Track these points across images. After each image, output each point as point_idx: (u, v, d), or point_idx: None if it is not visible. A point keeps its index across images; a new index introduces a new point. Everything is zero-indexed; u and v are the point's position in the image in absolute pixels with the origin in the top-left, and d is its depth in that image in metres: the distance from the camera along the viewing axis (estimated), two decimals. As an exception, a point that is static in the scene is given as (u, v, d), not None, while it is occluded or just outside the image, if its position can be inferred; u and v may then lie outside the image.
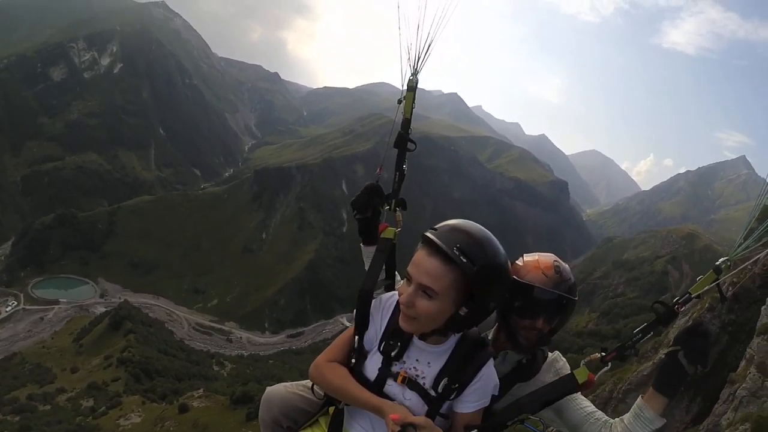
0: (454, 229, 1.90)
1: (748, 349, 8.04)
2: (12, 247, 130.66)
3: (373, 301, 2.20)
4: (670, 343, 2.19)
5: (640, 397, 2.20)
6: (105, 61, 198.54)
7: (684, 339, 2.15)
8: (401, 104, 2.62)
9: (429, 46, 2.44)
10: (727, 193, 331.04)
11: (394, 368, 2.06)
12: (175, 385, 57.45)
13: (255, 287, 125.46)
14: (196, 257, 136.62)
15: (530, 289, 2.33)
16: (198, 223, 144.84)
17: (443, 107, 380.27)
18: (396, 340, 2.07)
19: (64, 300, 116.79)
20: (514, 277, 2.34)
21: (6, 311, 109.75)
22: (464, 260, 1.82)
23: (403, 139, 2.59)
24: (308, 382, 2.40)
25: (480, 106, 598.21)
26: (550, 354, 2.60)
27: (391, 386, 2.05)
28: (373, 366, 2.10)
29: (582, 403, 2.44)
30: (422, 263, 1.87)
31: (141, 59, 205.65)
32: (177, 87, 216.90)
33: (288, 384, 2.58)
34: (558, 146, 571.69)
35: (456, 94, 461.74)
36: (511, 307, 2.36)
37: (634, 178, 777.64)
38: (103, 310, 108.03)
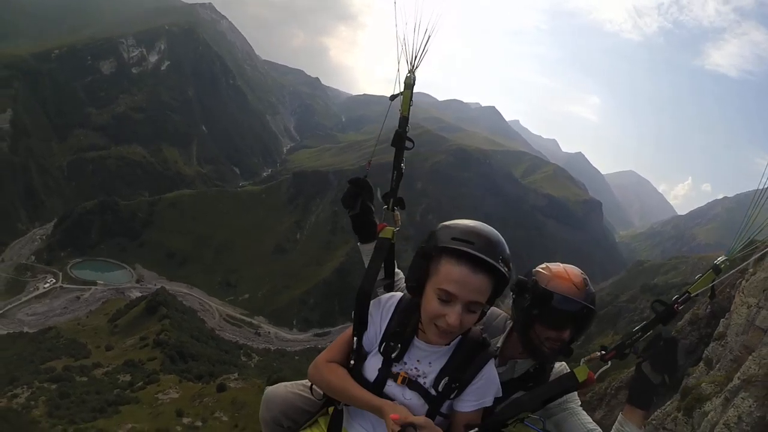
0: (485, 237, 1.89)
1: (705, 352, 8.52)
2: (54, 228, 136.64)
3: (373, 301, 2.19)
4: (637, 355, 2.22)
5: (620, 413, 2.25)
6: (153, 58, 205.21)
7: (647, 349, 2.17)
8: (393, 101, 2.65)
9: (427, 42, 2.45)
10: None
11: (395, 369, 2.06)
12: (210, 369, 59.77)
13: (285, 285, 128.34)
14: (230, 252, 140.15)
15: (563, 301, 2.33)
16: (234, 219, 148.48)
17: (480, 120, 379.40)
18: (396, 342, 2.06)
19: (101, 282, 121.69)
20: (543, 286, 2.37)
21: (44, 287, 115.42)
22: (507, 268, 1.86)
23: (401, 137, 2.59)
24: (308, 382, 2.44)
25: (517, 121, 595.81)
26: (557, 365, 2.65)
27: (391, 387, 2.04)
28: (372, 367, 2.09)
29: (583, 418, 2.49)
30: (470, 281, 1.84)
31: (187, 58, 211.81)
32: (221, 87, 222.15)
33: (288, 384, 2.64)
34: (594, 165, 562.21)
35: (494, 107, 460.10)
36: (537, 316, 2.36)
37: (670, 202, 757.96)
38: (138, 294, 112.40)
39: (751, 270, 8.34)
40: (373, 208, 2.55)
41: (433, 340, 1.98)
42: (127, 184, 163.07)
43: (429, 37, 2.39)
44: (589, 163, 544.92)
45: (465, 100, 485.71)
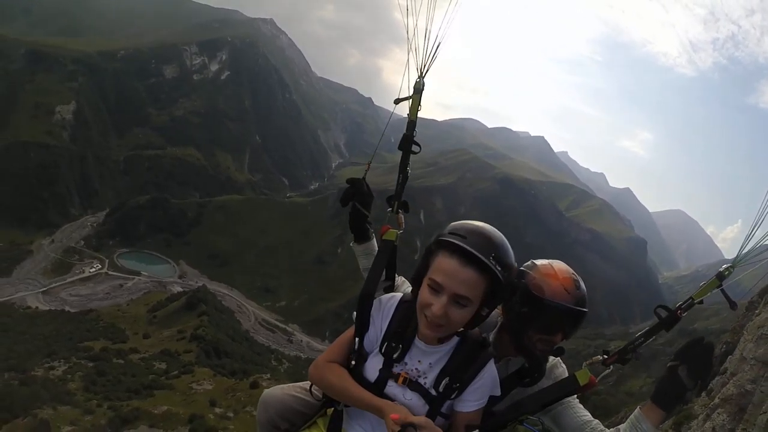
0: (482, 235, 1.92)
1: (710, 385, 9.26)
2: (105, 217, 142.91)
3: (374, 302, 2.21)
4: (671, 358, 2.18)
5: (638, 407, 2.21)
6: (214, 67, 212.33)
7: (685, 353, 2.13)
8: (397, 104, 2.67)
9: (436, 49, 2.43)
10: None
11: (395, 369, 2.06)
12: (243, 367, 60.70)
13: (322, 297, 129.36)
14: (272, 259, 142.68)
15: (552, 306, 2.31)
16: (279, 228, 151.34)
17: (528, 149, 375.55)
18: (397, 342, 2.06)
19: (145, 273, 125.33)
20: (535, 292, 2.34)
21: (89, 271, 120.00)
22: (500, 268, 1.86)
23: (408, 140, 2.60)
24: (305, 384, 2.49)
25: (566, 152, 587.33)
26: (551, 359, 2.62)
27: (392, 387, 2.04)
28: (373, 367, 2.09)
29: (579, 411, 2.47)
30: (457, 273, 1.86)
31: (246, 70, 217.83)
32: (276, 100, 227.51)
33: (285, 386, 2.66)
34: (642, 201, 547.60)
35: (543, 137, 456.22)
36: (528, 320, 2.33)
37: (718, 245, 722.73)
38: (179, 290, 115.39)
39: (757, 310, 8.54)
40: (367, 213, 2.60)
41: (423, 332, 1.99)
42: (179, 184, 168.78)
43: (439, 44, 2.36)
44: (636, 199, 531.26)
45: (514, 129, 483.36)
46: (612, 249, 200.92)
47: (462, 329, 2.04)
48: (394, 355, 2.05)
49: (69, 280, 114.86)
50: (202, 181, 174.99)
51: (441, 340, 2.05)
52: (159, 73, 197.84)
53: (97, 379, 44.74)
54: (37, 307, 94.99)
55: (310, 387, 2.35)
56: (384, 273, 2.45)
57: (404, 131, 2.54)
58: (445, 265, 1.87)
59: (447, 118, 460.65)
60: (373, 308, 2.17)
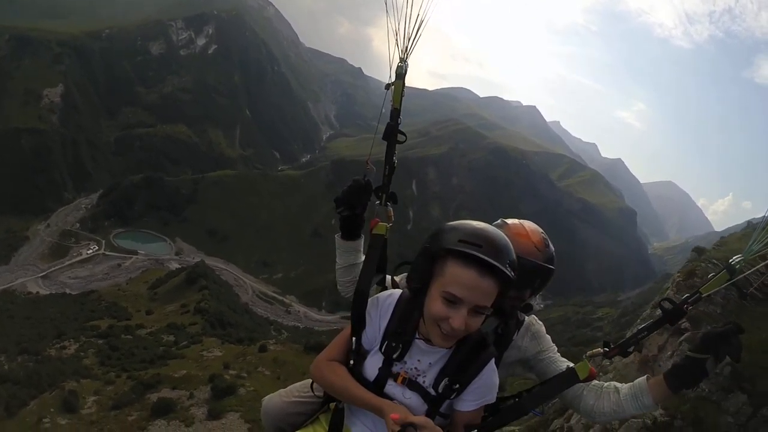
0: (494, 242, 1.84)
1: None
2: (99, 198, 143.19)
3: (371, 300, 2.17)
4: (696, 346, 2.05)
5: (645, 378, 2.17)
6: (201, 42, 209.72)
7: (720, 346, 2.01)
8: (387, 90, 2.54)
9: (418, 29, 2.36)
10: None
11: (395, 369, 2.03)
12: (249, 335, 62.54)
13: (319, 268, 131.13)
14: (268, 233, 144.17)
15: (525, 264, 2.29)
16: (274, 201, 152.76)
17: (520, 119, 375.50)
18: (397, 342, 2.03)
19: (142, 252, 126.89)
20: None
21: (87, 253, 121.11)
22: (513, 273, 1.83)
23: (393, 129, 2.51)
24: (305, 384, 2.49)
25: (558, 122, 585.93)
26: (526, 318, 2.63)
27: (391, 386, 2.02)
28: (373, 366, 2.07)
29: (561, 364, 2.49)
30: (478, 286, 1.80)
31: (234, 43, 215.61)
32: (266, 73, 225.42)
33: (284, 392, 2.65)
34: (633, 173, 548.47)
35: (535, 107, 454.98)
36: None
37: (708, 217, 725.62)
38: (177, 266, 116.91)
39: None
40: (363, 219, 2.57)
41: (435, 342, 1.95)
42: (172, 162, 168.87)
43: (422, 22, 2.33)
44: (628, 170, 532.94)
45: (506, 98, 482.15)
46: (603, 219, 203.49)
47: None
48: (394, 355, 2.02)
49: (67, 263, 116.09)
50: (194, 158, 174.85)
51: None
52: (145, 51, 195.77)
53: (110, 353, 46.26)
54: (38, 292, 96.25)
55: (311, 385, 2.38)
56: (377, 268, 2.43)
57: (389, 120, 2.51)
58: (463, 278, 1.80)
59: (438, 88, 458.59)
60: (370, 306, 2.14)
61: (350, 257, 2.57)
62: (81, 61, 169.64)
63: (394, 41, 2.35)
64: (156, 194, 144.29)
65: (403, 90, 2.44)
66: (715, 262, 11.21)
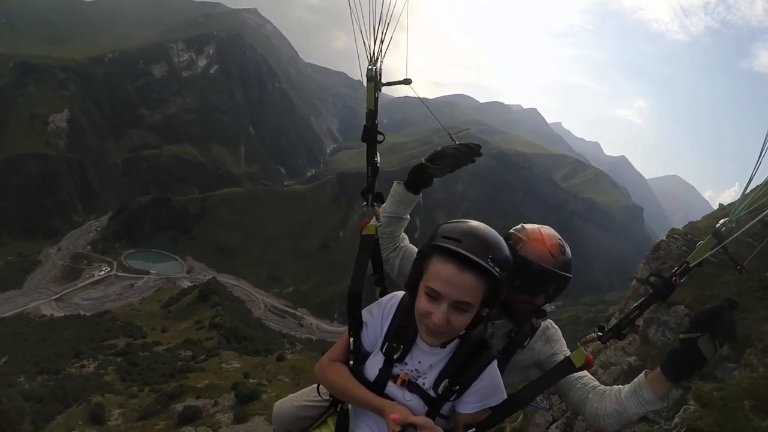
0: (476, 236, 1.82)
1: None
2: (109, 220, 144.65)
3: (375, 302, 2.20)
4: (688, 326, 1.97)
5: (643, 373, 2.13)
6: (202, 62, 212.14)
7: (708, 323, 1.94)
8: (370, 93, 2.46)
9: (385, 32, 2.33)
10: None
11: (395, 370, 2.03)
12: (266, 347, 63.14)
13: (328, 280, 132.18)
14: (277, 247, 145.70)
15: (537, 269, 2.30)
16: (281, 216, 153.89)
17: (521, 123, 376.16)
18: (399, 343, 2.03)
19: (154, 271, 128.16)
20: (520, 253, 2.33)
21: (99, 275, 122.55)
22: (497, 270, 1.78)
23: (371, 131, 2.46)
24: (313, 388, 2.50)
25: (560, 123, 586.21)
26: (542, 322, 2.62)
27: (392, 388, 2.02)
28: (373, 367, 2.07)
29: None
30: (456, 280, 1.78)
31: (235, 62, 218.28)
32: (267, 90, 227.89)
33: (294, 396, 2.66)
34: (638, 169, 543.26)
35: (535, 109, 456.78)
36: (511, 280, 2.10)
37: (716, 209, 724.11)
38: (188, 284, 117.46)
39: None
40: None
41: (424, 339, 1.96)
42: (179, 181, 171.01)
43: (387, 25, 2.31)
44: (632, 167, 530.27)
45: (506, 102, 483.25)
46: (609, 218, 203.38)
47: (474, 328, 2.00)
48: (395, 356, 2.03)
49: (80, 285, 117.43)
50: (200, 177, 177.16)
51: (443, 343, 2.00)
52: (148, 73, 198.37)
53: (131, 369, 47.01)
54: (52, 315, 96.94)
55: (317, 386, 2.39)
56: (372, 267, 2.47)
57: (377, 119, 2.51)
58: (441, 272, 1.81)
59: (438, 96, 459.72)
60: (374, 307, 2.18)
61: (401, 209, 2.58)
62: (85, 85, 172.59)
63: (363, 44, 2.33)
64: (164, 214, 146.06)
65: (376, 92, 2.41)
66: (677, 236, 12.59)
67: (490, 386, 2.01)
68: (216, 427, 25.33)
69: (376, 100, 2.43)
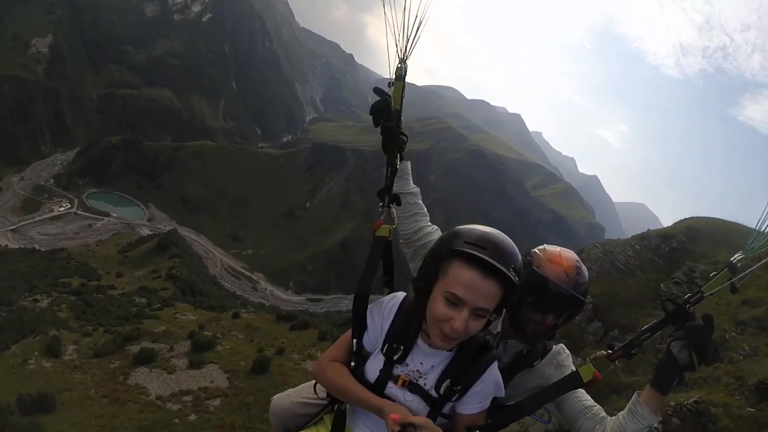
0: (499, 245, 1.81)
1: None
2: (76, 155, 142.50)
3: (375, 302, 2.15)
4: (671, 337, 2.08)
5: (636, 393, 2.17)
6: (196, 8, 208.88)
7: (682, 330, 2.06)
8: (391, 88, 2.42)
9: (418, 29, 2.29)
10: None
11: (396, 371, 2.01)
12: (221, 303, 63.86)
13: (289, 249, 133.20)
14: (242, 208, 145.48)
15: (552, 288, 2.29)
16: (251, 178, 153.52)
17: (504, 126, 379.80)
18: (399, 344, 2.01)
19: (114, 215, 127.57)
20: (534, 268, 2.35)
21: (58, 210, 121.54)
22: (518, 279, 1.79)
23: (394, 131, 2.45)
24: (311, 386, 2.45)
25: (540, 133, 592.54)
26: (554, 346, 2.61)
27: (392, 389, 1.99)
28: (374, 368, 2.04)
29: (581, 396, 2.40)
30: (479, 287, 1.77)
31: (229, 14, 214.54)
32: (257, 47, 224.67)
33: (292, 392, 2.65)
34: (607, 190, 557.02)
35: (519, 115, 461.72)
36: (524, 298, 2.29)
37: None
38: (148, 233, 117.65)
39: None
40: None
41: (436, 343, 1.92)
42: (153, 126, 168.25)
43: (420, 23, 2.28)
44: (602, 188, 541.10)
45: (493, 103, 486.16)
46: (572, 232, 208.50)
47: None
48: (396, 357, 2.01)
49: (38, 218, 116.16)
50: (175, 125, 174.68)
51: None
52: (139, 11, 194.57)
53: (85, 308, 47.19)
54: (6, 245, 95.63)
55: (314, 385, 2.39)
56: (382, 269, 2.44)
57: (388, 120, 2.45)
58: (465, 279, 1.77)
59: (427, 84, 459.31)
60: (373, 307, 2.13)
61: (400, 183, 2.60)
62: (73, 12, 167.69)
63: (394, 42, 2.34)
64: (133, 157, 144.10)
65: (403, 91, 2.43)
66: (598, 245, 17.01)
67: (491, 387, 2.01)
68: (171, 370, 26.47)
69: (402, 99, 2.42)
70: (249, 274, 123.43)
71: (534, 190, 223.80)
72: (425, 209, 2.68)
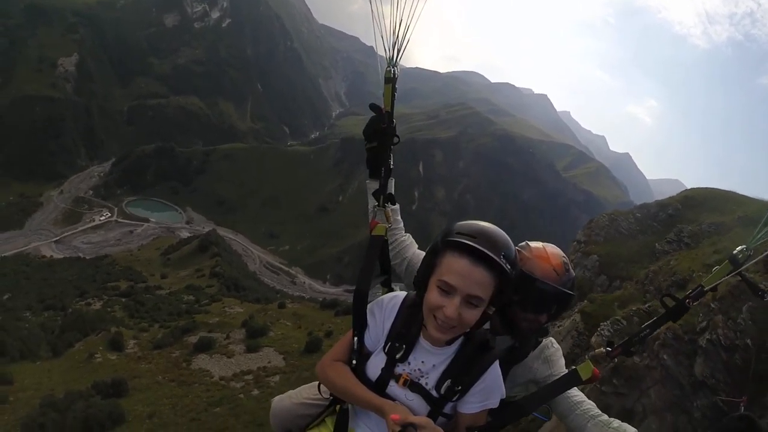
0: (490, 234, 1.85)
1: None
2: (112, 166, 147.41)
3: (375, 301, 2.15)
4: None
5: None
6: (215, 15, 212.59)
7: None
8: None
9: (405, 34, 2.34)
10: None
11: (398, 370, 2.02)
12: (265, 296, 65.41)
13: (324, 242, 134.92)
14: (276, 206, 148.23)
15: (540, 286, 2.30)
16: (283, 176, 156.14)
17: (531, 108, 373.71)
18: (401, 342, 2.02)
19: (153, 220, 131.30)
20: (522, 269, 2.29)
21: (99, 220, 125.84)
22: (509, 267, 1.82)
23: (386, 132, 2.44)
24: (313, 386, 2.50)
25: (568, 113, 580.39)
26: (543, 340, 2.61)
27: (393, 388, 2.00)
28: (375, 367, 2.05)
29: (571, 391, 2.36)
30: (470, 274, 1.80)
31: (248, 17, 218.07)
32: (278, 48, 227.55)
33: (293, 393, 2.67)
34: (640, 168, 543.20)
35: (546, 96, 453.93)
36: (514, 297, 2.18)
37: None
38: (187, 235, 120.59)
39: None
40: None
41: (432, 334, 1.93)
42: (183, 133, 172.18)
43: (408, 27, 2.31)
44: (635, 165, 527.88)
45: (518, 85, 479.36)
46: (604, 212, 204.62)
47: (478, 327, 1.98)
48: (398, 356, 2.01)
49: (80, 228, 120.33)
50: (205, 130, 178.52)
51: (447, 341, 1.99)
52: (159, 22, 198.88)
53: (138, 307, 48.90)
54: (51, 256, 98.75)
55: (319, 385, 2.37)
56: (379, 268, 2.46)
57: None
58: (455, 266, 1.82)
59: (450, 71, 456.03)
60: (374, 306, 2.13)
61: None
62: (95, 30, 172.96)
63: (383, 47, 2.39)
64: (167, 164, 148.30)
65: (393, 93, 2.46)
66: (605, 215, 22.54)
67: (492, 386, 2.01)
68: (230, 354, 27.70)
69: (393, 101, 2.46)
70: (287, 269, 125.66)
71: (565, 171, 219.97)
72: (402, 224, 2.73)
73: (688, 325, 9.72)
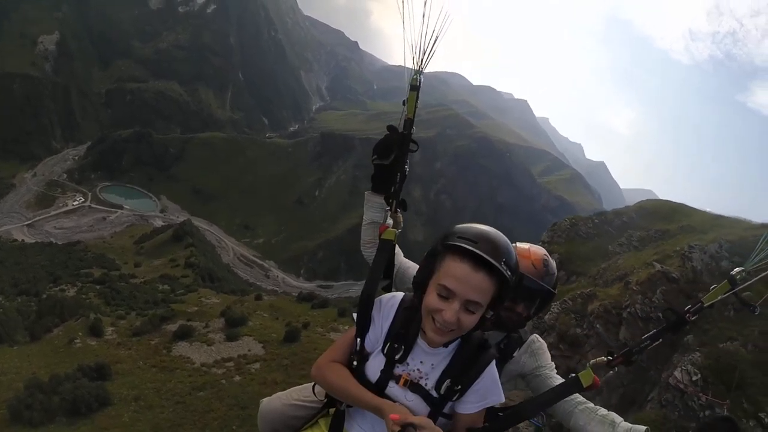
0: (491, 240, 1.82)
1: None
2: (87, 150, 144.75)
3: (374, 302, 2.14)
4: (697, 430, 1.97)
5: (645, 429, 2.06)
6: (200, 0, 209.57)
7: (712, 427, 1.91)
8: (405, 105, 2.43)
9: (435, 42, 2.30)
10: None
11: (397, 371, 2.01)
12: (240, 288, 65.95)
13: (299, 236, 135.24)
14: (253, 198, 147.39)
15: (524, 281, 2.38)
16: (260, 167, 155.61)
17: (510, 112, 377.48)
18: (400, 343, 2.01)
19: (128, 207, 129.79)
20: None
21: (72, 204, 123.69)
22: (509, 273, 1.80)
23: (406, 138, 2.41)
24: (305, 388, 2.48)
25: (547, 119, 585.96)
26: (530, 336, 2.70)
27: (393, 388, 2.00)
28: (375, 368, 2.05)
29: (555, 381, 2.47)
30: (470, 279, 1.78)
31: (233, 4, 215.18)
32: (262, 37, 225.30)
33: (283, 395, 2.60)
34: (615, 177, 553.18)
35: (526, 101, 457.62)
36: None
37: None
38: (161, 224, 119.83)
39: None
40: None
41: (430, 336, 1.92)
42: (161, 118, 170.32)
43: (437, 37, 2.29)
44: (609, 174, 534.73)
45: (498, 89, 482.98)
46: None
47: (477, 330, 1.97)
48: (396, 356, 2.01)
49: (53, 213, 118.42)
50: (184, 117, 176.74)
51: (445, 343, 1.96)
52: (144, 4, 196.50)
53: (114, 295, 49.12)
54: (23, 240, 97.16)
55: (313, 386, 2.38)
56: (383, 273, 2.42)
57: (403, 128, 2.41)
58: (455, 270, 1.80)
59: (432, 70, 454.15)
60: (373, 308, 2.12)
61: (377, 214, 2.61)
62: (79, 9, 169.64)
63: (410, 54, 2.36)
64: (144, 150, 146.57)
65: (417, 101, 2.43)
66: (567, 220, 26.07)
67: (490, 385, 2.02)
68: (210, 342, 28.66)
69: (415, 109, 2.44)
70: (261, 262, 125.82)
71: (540, 177, 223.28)
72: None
73: (616, 302, 13.17)
